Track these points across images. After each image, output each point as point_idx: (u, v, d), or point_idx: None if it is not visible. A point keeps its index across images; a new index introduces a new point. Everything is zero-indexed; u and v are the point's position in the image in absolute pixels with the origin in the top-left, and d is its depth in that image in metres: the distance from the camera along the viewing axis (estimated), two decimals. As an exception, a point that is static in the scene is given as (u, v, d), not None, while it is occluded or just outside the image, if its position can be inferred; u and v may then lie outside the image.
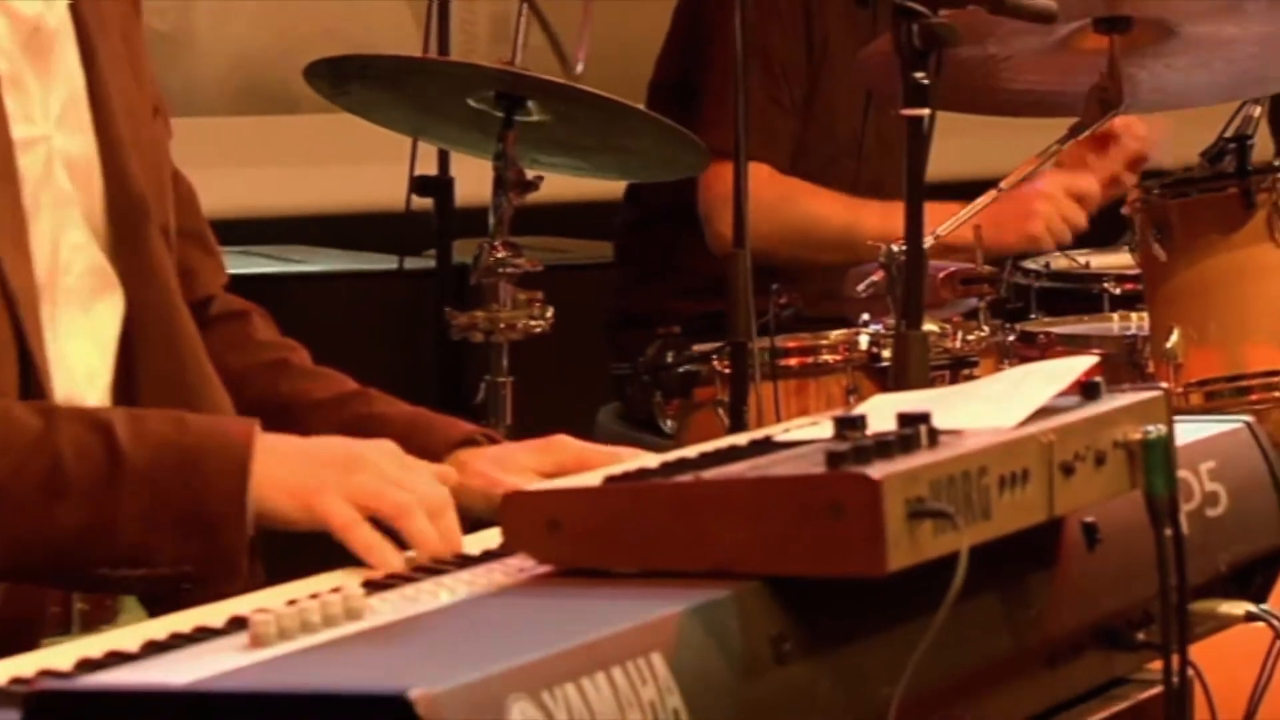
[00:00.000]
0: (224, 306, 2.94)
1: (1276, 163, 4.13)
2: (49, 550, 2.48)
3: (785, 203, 4.50)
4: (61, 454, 2.46)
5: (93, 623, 2.61)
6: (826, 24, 4.71)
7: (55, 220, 2.67)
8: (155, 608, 2.56)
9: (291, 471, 2.49)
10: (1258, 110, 4.28)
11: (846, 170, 4.73)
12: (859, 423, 2.31)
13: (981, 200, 4.15)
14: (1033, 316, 4.64)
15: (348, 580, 2.28)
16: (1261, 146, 4.44)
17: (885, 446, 2.20)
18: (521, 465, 2.73)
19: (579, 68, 3.20)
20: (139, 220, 2.74)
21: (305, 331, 2.94)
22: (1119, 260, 4.64)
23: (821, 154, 4.72)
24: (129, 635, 2.14)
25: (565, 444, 2.77)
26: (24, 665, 2.07)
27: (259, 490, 2.47)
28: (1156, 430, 2.43)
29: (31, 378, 2.59)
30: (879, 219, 4.46)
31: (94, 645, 2.12)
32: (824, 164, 4.71)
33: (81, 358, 2.68)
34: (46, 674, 2.02)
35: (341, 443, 2.56)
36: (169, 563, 2.46)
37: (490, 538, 2.39)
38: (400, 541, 2.42)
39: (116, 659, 2.05)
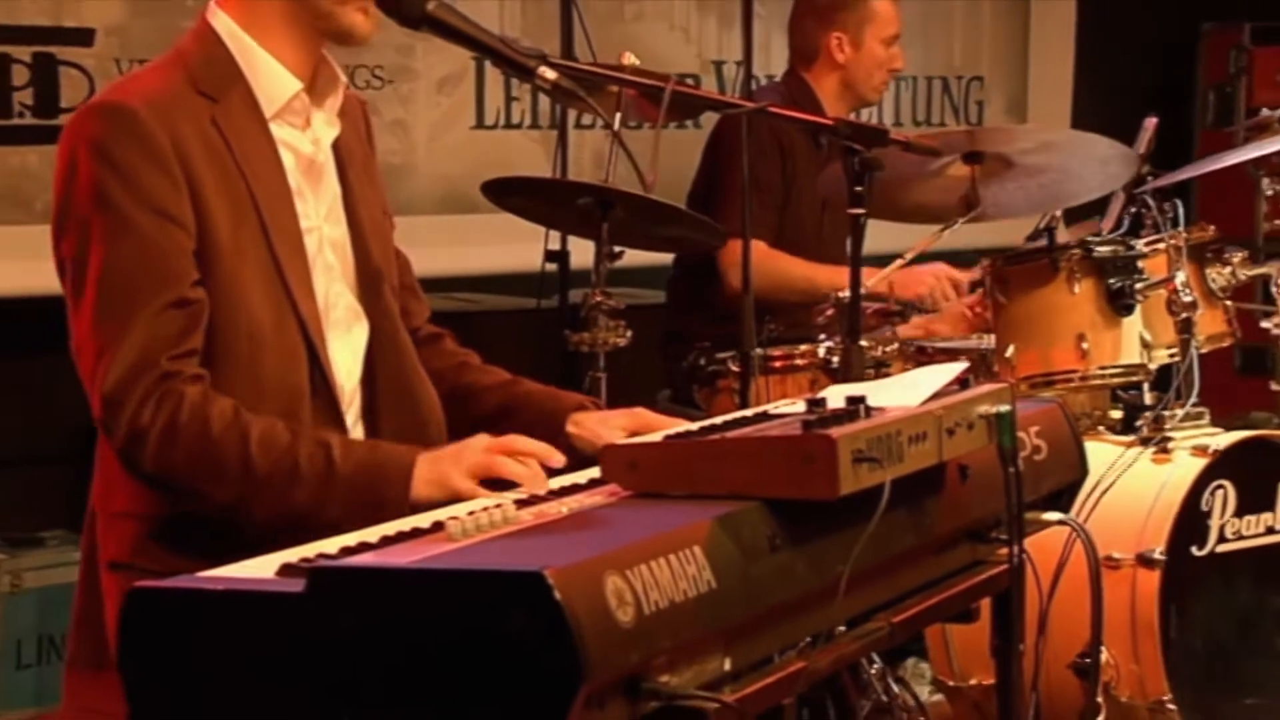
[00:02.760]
0: (429, 331, 2.91)
1: (1071, 242, 4.11)
2: (287, 517, 2.46)
3: (767, 263, 4.47)
4: (299, 459, 2.45)
5: None
6: (795, 158, 4.67)
7: (326, 278, 2.66)
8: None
9: (433, 472, 2.45)
10: (1059, 211, 4.25)
11: (811, 249, 4.69)
12: (821, 403, 2.31)
13: (893, 266, 4.14)
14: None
15: (505, 500, 2.27)
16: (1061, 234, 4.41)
17: (839, 417, 2.20)
18: (616, 425, 2.71)
19: (651, 182, 3.19)
20: (376, 279, 2.72)
21: (480, 346, 2.93)
22: (974, 300, 4.59)
23: (793, 239, 4.68)
24: (372, 532, 2.14)
25: (643, 412, 2.74)
26: (307, 551, 2.07)
27: (415, 490, 2.44)
28: (1004, 408, 2.42)
29: (319, 372, 2.60)
30: (826, 274, 4.45)
31: (351, 539, 2.12)
32: (796, 246, 4.67)
33: (343, 362, 2.67)
34: (321, 555, 2.02)
35: (453, 445, 2.51)
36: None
37: (594, 472, 2.37)
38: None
39: (364, 547, 2.06)
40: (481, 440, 2.48)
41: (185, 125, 2.50)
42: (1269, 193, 4.65)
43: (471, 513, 2.09)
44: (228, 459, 2.43)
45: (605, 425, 2.70)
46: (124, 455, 2.46)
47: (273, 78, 2.60)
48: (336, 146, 2.70)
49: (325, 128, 2.68)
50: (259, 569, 2.01)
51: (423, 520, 2.18)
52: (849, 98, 4.77)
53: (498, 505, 2.13)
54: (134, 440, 2.43)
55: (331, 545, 2.08)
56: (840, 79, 4.73)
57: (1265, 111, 4.68)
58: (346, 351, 2.68)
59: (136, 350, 2.43)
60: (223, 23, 2.60)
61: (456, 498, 2.42)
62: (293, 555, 2.03)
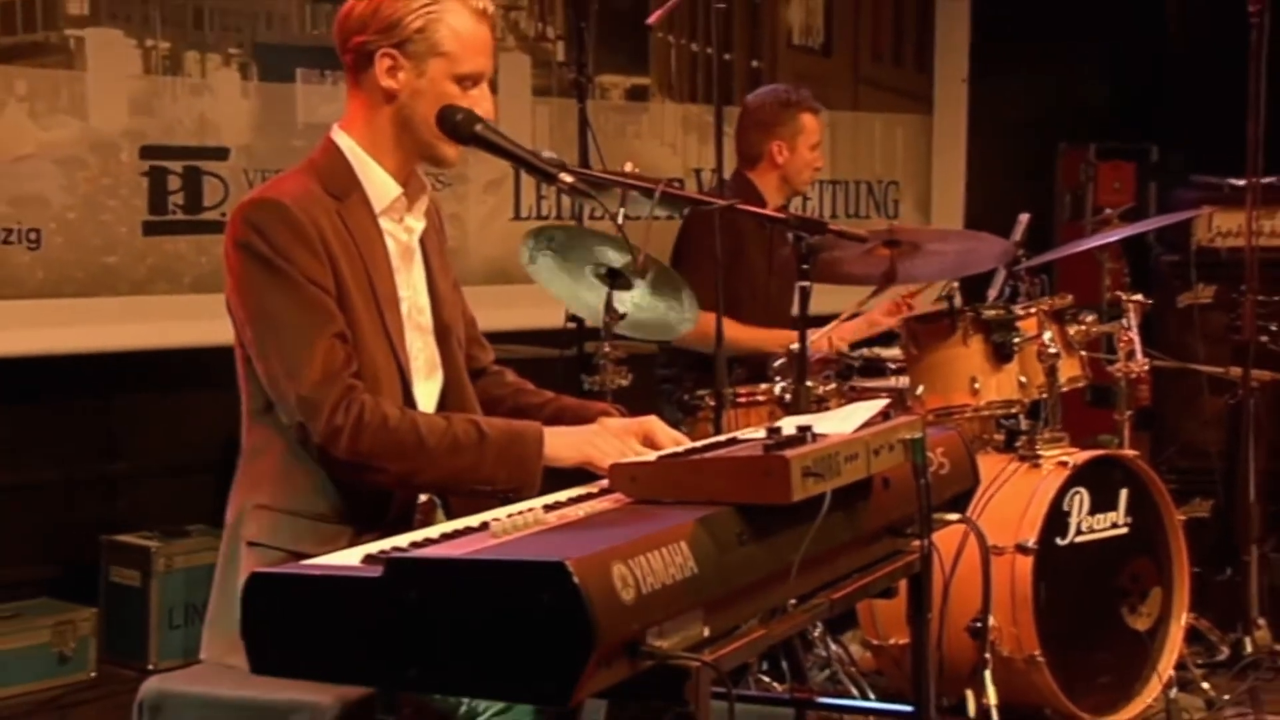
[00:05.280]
0: (495, 369, 2.89)
1: (965, 307, 4.09)
2: (449, 478, 2.47)
3: (726, 331, 4.39)
4: (457, 433, 2.46)
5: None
6: (743, 238, 4.51)
7: (412, 335, 2.64)
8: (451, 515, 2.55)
9: (567, 439, 2.50)
10: (955, 284, 4.25)
11: (760, 306, 4.61)
12: (778, 430, 2.26)
13: (831, 325, 4.12)
14: (855, 379, 4.56)
15: (535, 506, 2.21)
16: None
17: (792, 441, 2.16)
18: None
19: (642, 261, 3.17)
20: (447, 336, 2.70)
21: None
22: (894, 352, 4.55)
23: (745, 299, 4.56)
24: (435, 530, 2.10)
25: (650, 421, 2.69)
26: (384, 544, 2.03)
27: (550, 450, 2.47)
28: (916, 434, 2.39)
29: (410, 408, 2.58)
30: (764, 336, 4.37)
31: (419, 535, 2.08)
32: (751, 300, 4.57)
33: (424, 399, 2.64)
34: (394, 548, 1.98)
35: (579, 428, 2.57)
36: (502, 486, 2.44)
37: (604, 483, 2.32)
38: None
39: (429, 542, 2.01)
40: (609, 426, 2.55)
41: (321, 217, 2.52)
42: (1109, 270, 4.75)
43: (510, 515, 2.05)
44: (405, 441, 2.44)
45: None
46: (323, 447, 2.44)
47: (381, 184, 2.62)
48: (422, 236, 2.71)
49: (415, 222, 2.69)
50: (348, 558, 1.97)
51: (472, 520, 2.14)
52: (785, 189, 4.72)
53: (530, 509, 2.10)
54: (331, 436, 2.43)
55: (403, 540, 2.04)
56: (779, 176, 4.68)
57: (1107, 210, 4.79)
58: (427, 392, 2.66)
59: (320, 370, 2.44)
60: (344, 141, 2.62)
61: (582, 458, 2.47)
62: (373, 548, 2.00)
